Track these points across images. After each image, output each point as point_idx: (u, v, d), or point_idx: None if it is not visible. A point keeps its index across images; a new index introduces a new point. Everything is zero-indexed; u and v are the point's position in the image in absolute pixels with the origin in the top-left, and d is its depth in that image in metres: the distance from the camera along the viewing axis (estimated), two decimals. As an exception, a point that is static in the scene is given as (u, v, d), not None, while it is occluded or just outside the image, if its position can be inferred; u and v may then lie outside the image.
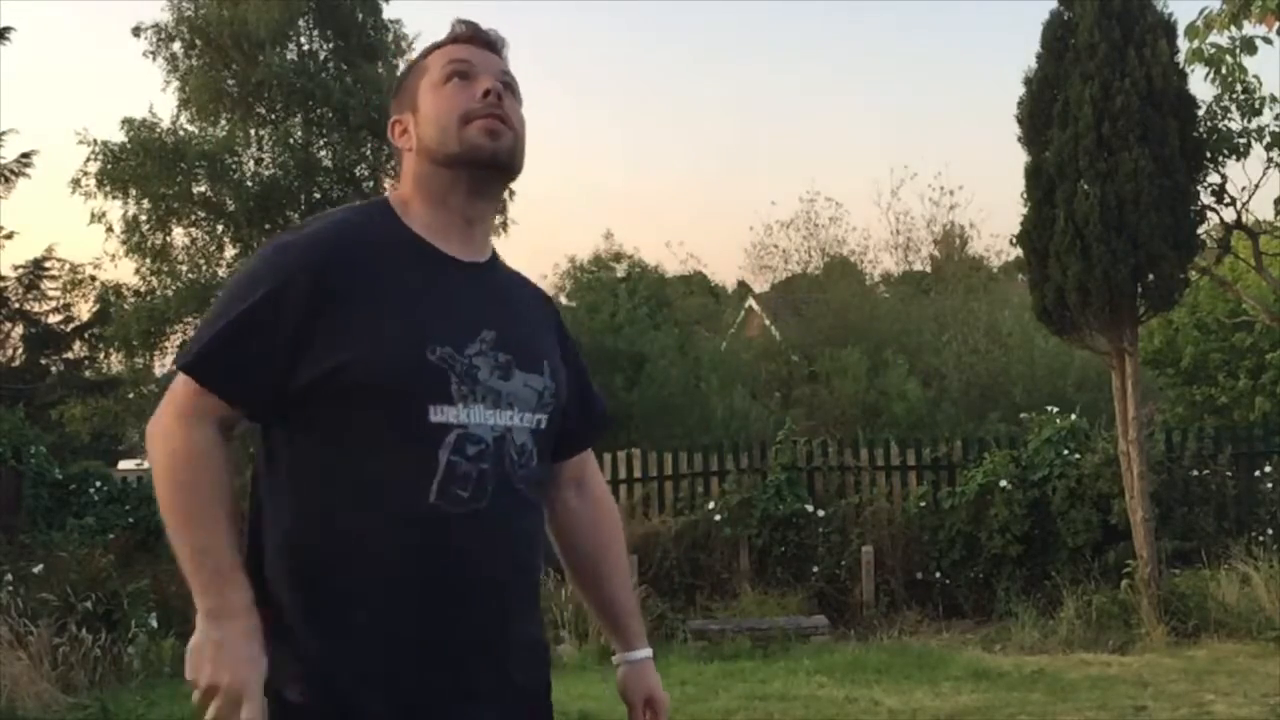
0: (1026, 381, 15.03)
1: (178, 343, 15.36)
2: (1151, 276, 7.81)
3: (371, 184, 15.90)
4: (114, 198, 14.89)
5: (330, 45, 15.89)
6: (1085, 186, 7.73)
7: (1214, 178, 8.05)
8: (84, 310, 17.57)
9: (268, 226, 15.65)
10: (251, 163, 15.64)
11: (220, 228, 15.57)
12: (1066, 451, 9.25)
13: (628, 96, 51.10)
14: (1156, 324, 13.89)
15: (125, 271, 22.86)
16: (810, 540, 9.39)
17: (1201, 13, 5.97)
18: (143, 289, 15.46)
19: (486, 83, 1.62)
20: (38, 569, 7.82)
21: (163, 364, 16.02)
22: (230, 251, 15.80)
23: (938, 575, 9.36)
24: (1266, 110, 7.74)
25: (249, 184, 15.33)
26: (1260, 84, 7.63)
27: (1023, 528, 9.12)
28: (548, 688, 1.69)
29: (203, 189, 15.24)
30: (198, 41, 15.26)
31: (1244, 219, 8.23)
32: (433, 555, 1.50)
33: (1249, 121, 7.83)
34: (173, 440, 1.49)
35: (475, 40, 1.68)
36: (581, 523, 1.81)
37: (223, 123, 15.59)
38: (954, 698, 6.38)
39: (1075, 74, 7.85)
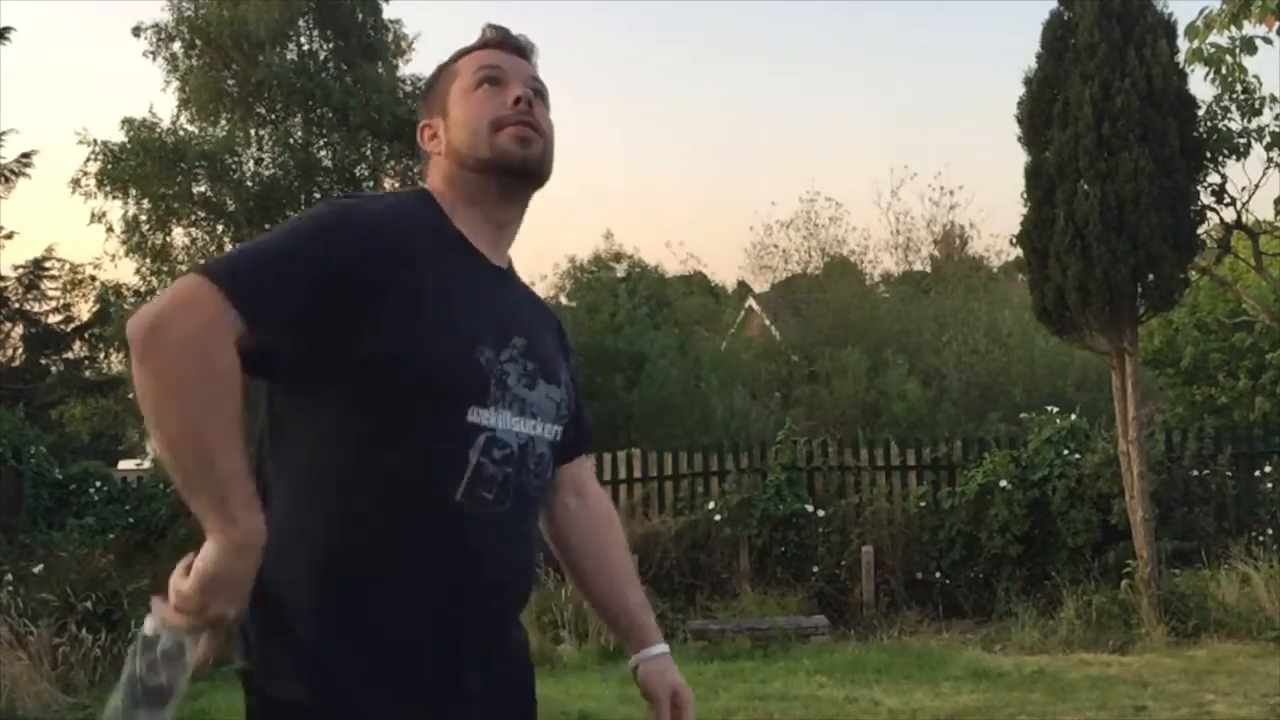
0: (1026, 381, 15.03)
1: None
2: (1151, 276, 7.81)
3: (371, 184, 15.91)
4: (114, 198, 14.89)
5: (330, 45, 15.89)
6: (1085, 186, 7.73)
7: (1214, 178, 8.06)
8: (84, 310, 17.59)
9: (267, 226, 15.66)
10: (251, 163, 15.64)
11: (220, 228, 15.57)
12: (1066, 451, 9.25)
13: (628, 96, 51.13)
14: (1156, 324, 13.90)
15: (125, 271, 22.87)
16: (810, 540, 9.39)
17: (1201, 13, 5.98)
18: (143, 289, 15.45)
19: (517, 90, 1.62)
20: (38, 569, 7.83)
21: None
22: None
23: (938, 575, 9.36)
24: (1266, 110, 7.75)
25: (249, 184, 15.33)
26: (1260, 84, 7.64)
27: (1023, 528, 9.12)
28: (533, 688, 1.70)
29: (203, 189, 15.24)
30: (198, 41, 15.26)
31: (1244, 219, 8.24)
32: (451, 554, 1.50)
33: (1249, 121, 7.84)
34: (210, 348, 1.36)
35: (505, 46, 1.68)
36: (584, 525, 1.81)
37: (223, 123, 15.59)
38: (954, 698, 6.38)
39: (1075, 74, 7.85)
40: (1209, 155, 7.96)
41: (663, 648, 1.80)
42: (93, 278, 16.66)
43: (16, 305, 17.44)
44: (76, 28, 39.39)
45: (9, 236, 15.44)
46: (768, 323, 21.19)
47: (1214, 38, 6.22)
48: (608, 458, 10.06)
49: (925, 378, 15.95)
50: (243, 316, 1.38)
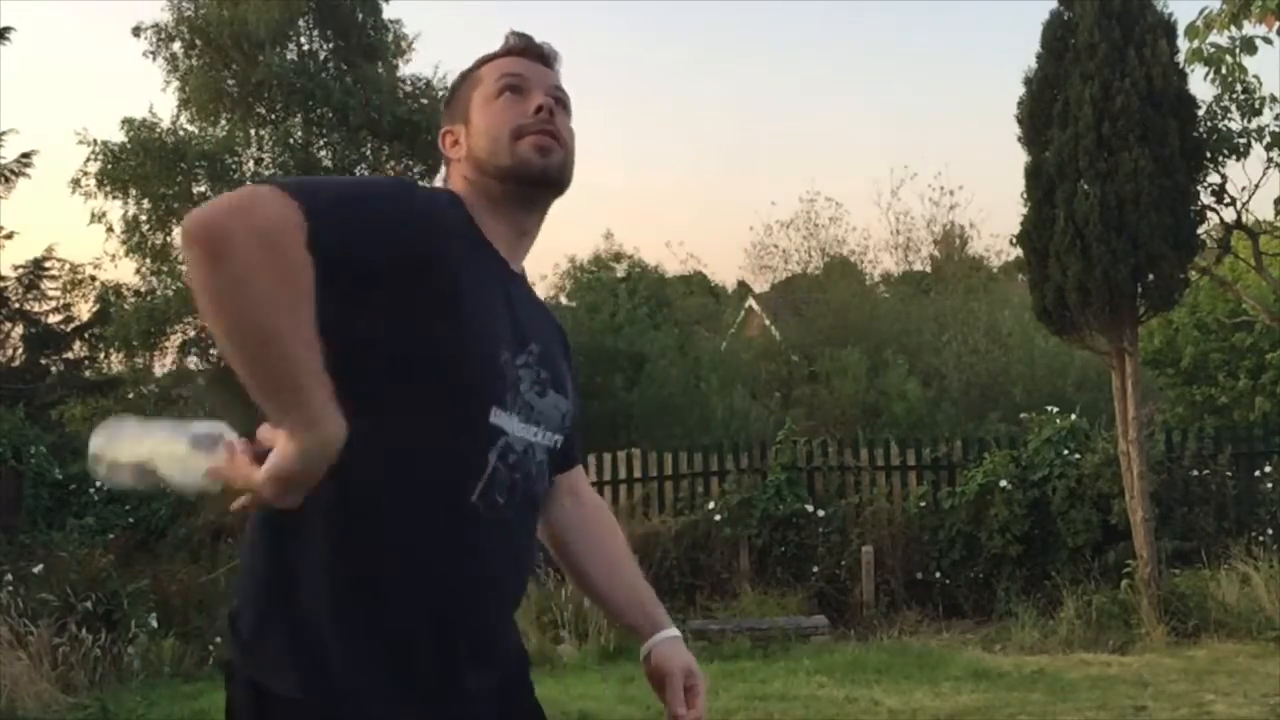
0: (1026, 381, 15.02)
1: (178, 343, 15.38)
2: (1151, 276, 7.81)
3: (371, 184, 15.91)
4: (114, 198, 14.91)
5: (330, 45, 15.89)
6: (1085, 186, 7.73)
7: (1214, 178, 8.07)
8: (84, 310, 17.54)
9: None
10: (251, 163, 15.64)
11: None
12: (1066, 451, 9.25)
13: (628, 96, 51.04)
14: (1156, 324, 13.89)
15: (125, 271, 22.84)
16: (810, 540, 9.39)
17: (1201, 13, 5.99)
18: (143, 289, 15.46)
19: (538, 98, 1.62)
20: (38, 569, 7.83)
21: (163, 364, 16.04)
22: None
23: (938, 575, 9.36)
24: (1266, 110, 7.76)
25: (249, 184, 15.31)
26: (1260, 84, 7.65)
27: (1023, 528, 9.12)
28: (531, 686, 1.71)
29: (203, 189, 15.23)
30: (198, 41, 15.26)
31: (1244, 219, 8.24)
32: (461, 555, 1.50)
33: (1249, 121, 7.84)
34: (285, 240, 1.30)
35: (528, 53, 1.68)
36: (583, 525, 1.82)
37: (223, 123, 15.60)
38: (954, 698, 6.38)
39: (1075, 74, 7.85)
40: (1209, 155, 7.96)
41: (675, 632, 1.79)
42: (93, 278, 16.64)
43: (16, 305, 17.40)
44: (76, 28, 39.36)
45: (9, 236, 15.40)
46: (768, 323, 21.18)
47: (1214, 38, 6.23)
48: (608, 458, 10.06)
49: (925, 378, 15.94)
50: (307, 222, 1.33)
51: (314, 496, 1.42)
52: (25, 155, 14.33)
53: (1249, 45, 6.19)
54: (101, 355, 17.00)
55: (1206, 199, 8.09)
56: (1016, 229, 8.38)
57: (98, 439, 1.45)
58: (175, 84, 15.51)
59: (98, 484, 10.16)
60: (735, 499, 9.48)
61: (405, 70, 16.32)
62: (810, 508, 9.48)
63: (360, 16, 15.78)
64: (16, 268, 17.08)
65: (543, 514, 1.71)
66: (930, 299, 19.27)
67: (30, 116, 40.50)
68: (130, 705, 6.63)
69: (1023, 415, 10.66)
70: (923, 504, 9.56)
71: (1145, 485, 8.00)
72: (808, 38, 48.57)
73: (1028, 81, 8.23)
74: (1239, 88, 7.62)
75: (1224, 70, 7.07)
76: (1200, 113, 7.89)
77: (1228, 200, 8.11)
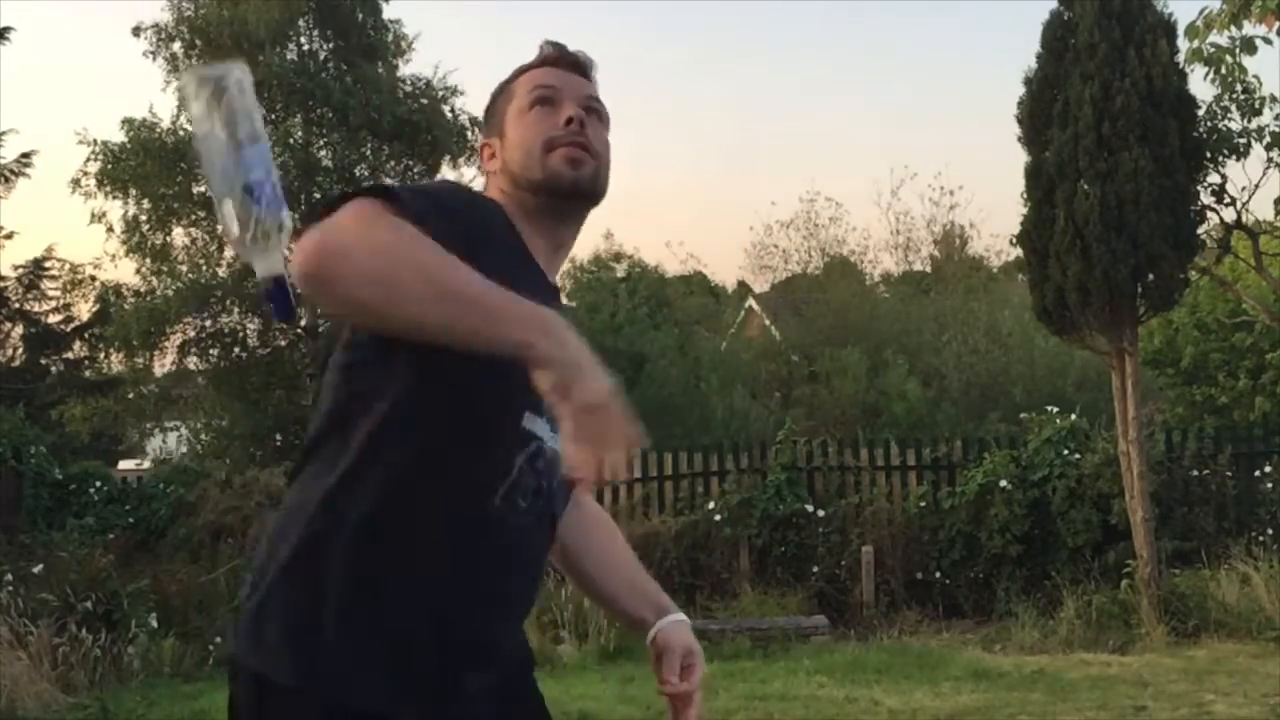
0: (1026, 381, 15.02)
1: (178, 343, 15.37)
2: (1151, 276, 7.81)
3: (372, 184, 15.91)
4: (114, 198, 14.90)
5: (330, 45, 15.88)
6: (1085, 186, 7.73)
7: (1214, 178, 8.07)
8: (84, 310, 17.59)
9: (268, 227, 15.66)
10: (251, 162, 15.62)
11: (220, 228, 15.56)
12: (1066, 451, 9.25)
13: (628, 96, 51.02)
14: (1156, 324, 13.89)
15: (125, 271, 22.85)
16: (810, 540, 9.39)
17: (1201, 13, 5.99)
18: (143, 289, 15.46)
19: (569, 110, 1.62)
20: (38, 569, 7.83)
21: (163, 364, 16.03)
22: (230, 251, 15.80)
23: (938, 575, 9.36)
24: (1266, 110, 7.76)
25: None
26: (1260, 84, 7.65)
27: (1023, 528, 9.12)
28: (536, 688, 1.71)
29: (203, 189, 15.23)
30: (198, 41, 15.25)
31: (1244, 219, 8.24)
32: (480, 557, 1.50)
33: (1249, 121, 7.84)
34: (395, 225, 1.32)
35: (562, 63, 1.68)
36: (584, 529, 1.83)
37: (223, 123, 15.57)
38: (954, 698, 6.38)
39: (1075, 74, 7.86)
40: (1209, 155, 7.97)
41: (682, 616, 1.80)
42: (93, 278, 16.68)
43: (16, 305, 17.44)
44: (76, 28, 39.39)
45: (9, 236, 15.45)
46: (768, 323, 21.18)
47: (1214, 38, 6.23)
48: (608, 458, 10.05)
49: (925, 378, 15.94)
50: (391, 205, 1.35)
51: (340, 491, 1.44)
52: (25, 155, 14.40)
53: (1249, 45, 6.19)
54: (101, 355, 17.03)
55: (1206, 199, 8.10)
56: (1016, 229, 8.39)
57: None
58: (175, 84, 15.52)
59: (98, 484, 10.16)
60: (735, 499, 9.48)
61: (405, 70, 16.32)
62: (810, 508, 9.48)
63: (360, 16, 15.77)
64: (16, 268, 17.15)
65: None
66: (930, 299, 19.27)
67: (30, 116, 40.60)
68: (130, 705, 6.63)
69: (1023, 415, 10.66)
70: (923, 504, 9.55)
71: (1145, 485, 8.00)
72: (808, 38, 48.61)
73: (1028, 81, 8.23)
74: (1239, 88, 7.63)
75: (1224, 70, 7.08)
76: (1200, 113, 7.90)
77: (1228, 200, 8.12)
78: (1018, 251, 8.68)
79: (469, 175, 16.35)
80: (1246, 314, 12.68)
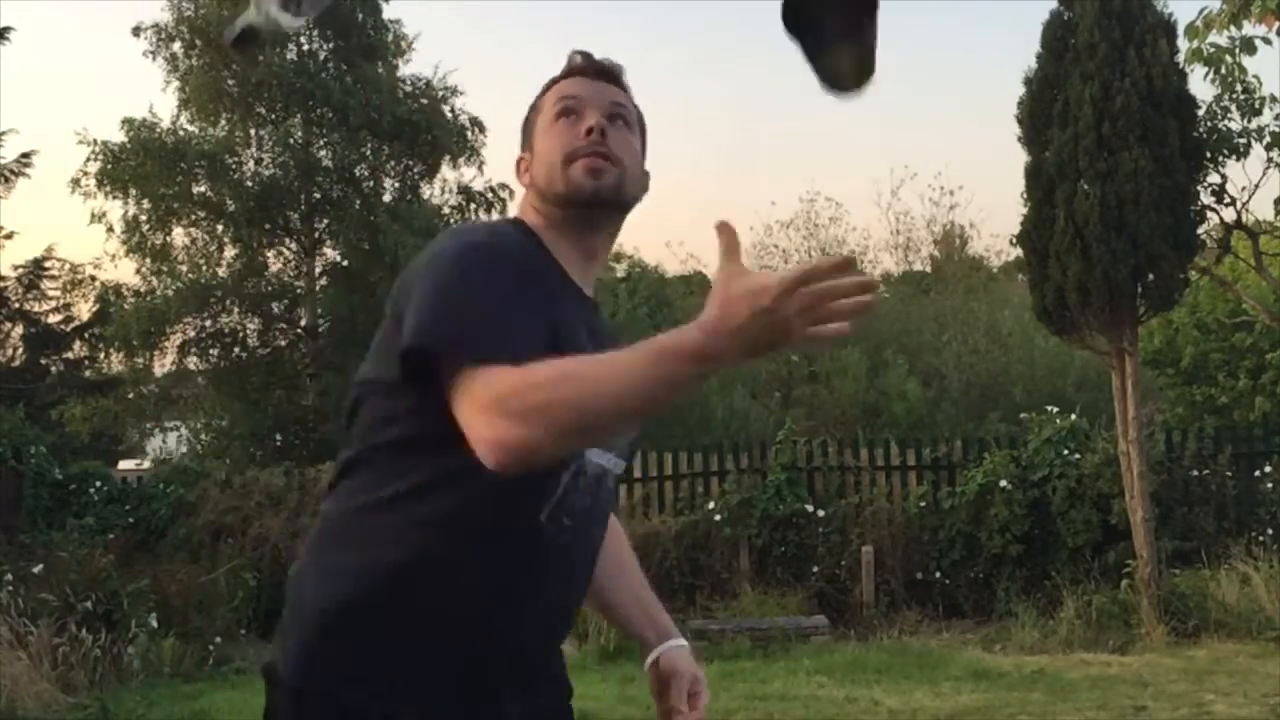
0: (1026, 381, 15.03)
1: (178, 343, 15.37)
2: (1151, 276, 7.81)
3: (371, 184, 15.92)
4: (114, 198, 14.90)
5: (330, 45, 15.88)
6: (1085, 186, 7.73)
7: (1214, 178, 8.07)
8: (84, 310, 17.58)
9: (268, 226, 15.67)
10: (251, 163, 15.64)
11: (220, 228, 15.57)
12: (1066, 451, 9.24)
13: (627, 96, 50.98)
14: (1156, 324, 13.89)
15: (125, 271, 22.85)
16: (810, 540, 9.39)
17: (1201, 13, 5.99)
18: (143, 289, 15.46)
19: (591, 119, 1.62)
20: (38, 569, 7.82)
21: (163, 364, 16.03)
22: (230, 251, 15.82)
23: (938, 575, 9.36)
24: (1266, 110, 7.76)
25: (249, 184, 15.33)
26: (1260, 84, 7.65)
27: (1023, 528, 9.11)
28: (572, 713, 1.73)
29: (203, 189, 15.24)
30: (198, 41, 15.26)
31: (1244, 219, 8.24)
32: (524, 573, 1.51)
33: (1249, 121, 7.84)
34: (522, 394, 1.31)
35: (588, 72, 1.68)
36: None
37: (223, 123, 15.60)
38: (954, 698, 6.38)
39: (1075, 74, 7.85)
40: (1209, 155, 7.96)
41: (684, 642, 1.83)
42: (93, 278, 16.67)
43: (16, 305, 17.43)
44: (76, 28, 39.36)
45: (9, 236, 15.43)
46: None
47: (1214, 38, 6.23)
48: (608, 458, 10.04)
49: (925, 378, 15.94)
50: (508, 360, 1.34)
51: (383, 507, 1.47)
52: (25, 155, 14.36)
53: (1249, 45, 6.19)
54: (101, 355, 17.03)
55: (1206, 199, 8.10)
56: (1016, 229, 8.39)
57: None
58: (175, 84, 15.51)
59: (98, 484, 10.16)
60: (735, 499, 9.48)
61: (405, 70, 16.33)
62: (810, 508, 9.47)
63: (360, 16, 15.77)
64: (16, 268, 17.13)
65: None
66: (930, 299, 19.27)
67: (30, 116, 40.54)
68: (130, 705, 6.63)
69: (1023, 415, 10.65)
70: (923, 504, 9.55)
71: (1145, 485, 8.00)
72: (808, 38, 48.48)
73: (1028, 81, 8.23)
74: (1239, 88, 7.62)
75: (1224, 70, 7.08)
76: (1200, 113, 7.89)
77: (1228, 200, 8.12)
78: (1018, 251, 8.69)
79: (469, 175, 16.40)
80: (1246, 314, 12.68)
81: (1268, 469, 9.36)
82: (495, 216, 16.39)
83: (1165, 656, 7.21)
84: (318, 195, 15.71)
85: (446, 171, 16.30)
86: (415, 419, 1.47)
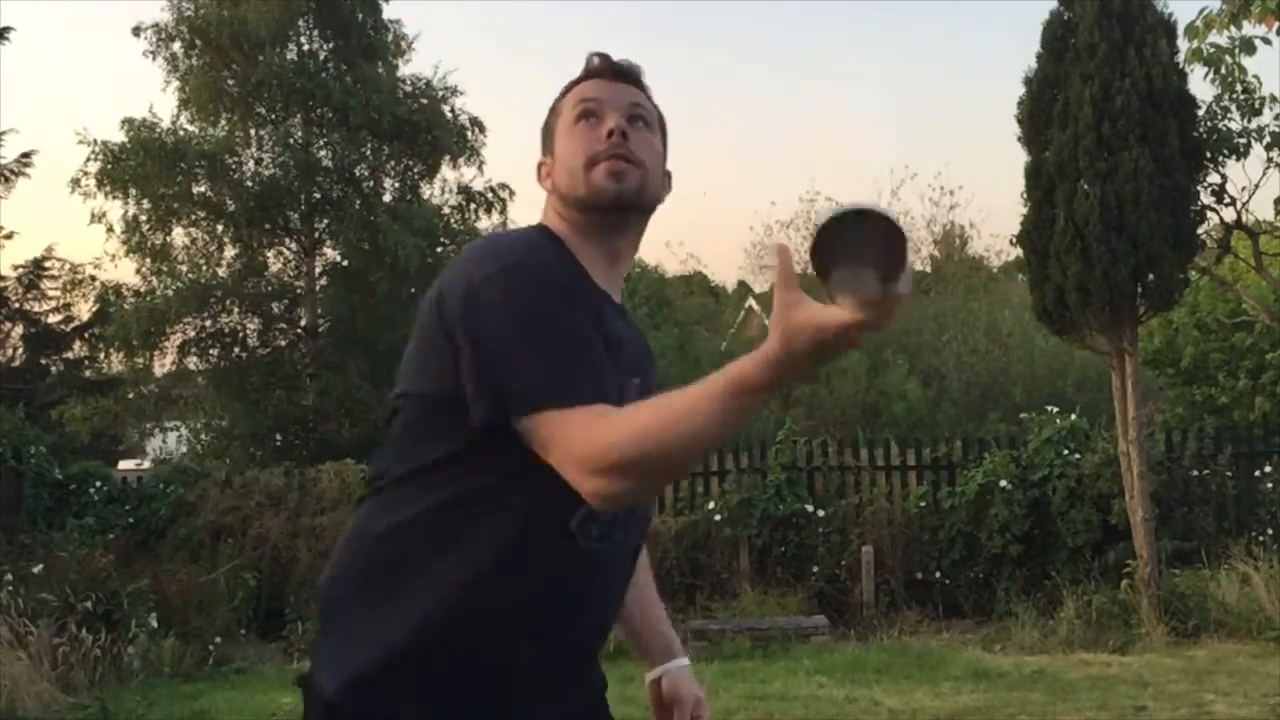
0: (1026, 381, 15.01)
1: (178, 343, 15.37)
2: (1151, 276, 7.80)
3: (371, 184, 15.92)
4: (114, 198, 14.91)
5: (330, 45, 15.89)
6: (1085, 186, 7.73)
7: (1214, 178, 8.06)
8: (84, 310, 17.57)
9: (268, 226, 15.67)
10: (251, 163, 15.65)
11: (220, 228, 15.58)
12: (1066, 451, 9.25)
13: (627, 96, 50.93)
14: (1156, 324, 13.89)
15: (125, 271, 22.87)
16: (810, 540, 9.39)
17: (1201, 13, 5.99)
18: (143, 289, 15.46)
19: (611, 122, 1.61)
20: (38, 569, 7.82)
21: (163, 364, 16.03)
22: (230, 251, 15.82)
23: (938, 575, 9.36)
24: (1266, 110, 7.75)
25: (249, 184, 15.33)
26: (1260, 84, 7.64)
27: (1023, 528, 9.12)
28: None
29: (203, 189, 15.24)
30: (198, 41, 15.27)
31: (1244, 219, 8.23)
32: (557, 586, 1.52)
33: (1249, 121, 7.83)
34: (618, 448, 1.33)
35: (605, 73, 1.67)
36: None
37: (223, 123, 15.60)
38: (954, 698, 6.38)
39: (1075, 74, 7.85)
40: (1209, 155, 7.96)
41: (687, 661, 1.86)
42: (93, 278, 16.66)
43: (16, 305, 17.42)
44: (76, 28, 39.38)
45: (9, 236, 15.43)
46: (767, 323, 21.04)
47: (1214, 38, 6.24)
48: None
49: (925, 378, 15.93)
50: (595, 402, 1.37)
51: (416, 523, 1.48)
52: (25, 155, 14.37)
53: (1248, 45, 6.20)
54: (101, 355, 17.02)
55: (1206, 199, 8.09)
56: (1016, 229, 8.38)
57: None
58: (175, 84, 15.53)
59: (98, 484, 10.16)
60: (735, 499, 9.48)
61: (405, 70, 16.34)
62: (810, 508, 9.48)
63: (360, 16, 15.78)
64: (16, 268, 17.12)
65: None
66: (930, 299, 19.24)
67: (30, 116, 40.57)
68: (130, 705, 6.63)
69: (1023, 415, 10.65)
70: (923, 504, 9.55)
71: (1145, 485, 8.00)
72: (808, 38, 48.63)
73: (1028, 81, 8.22)
74: (1239, 88, 7.62)
75: (1224, 70, 7.08)
76: (1200, 113, 7.89)
77: (1228, 200, 8.11)
78: (1018, 251, 8.68)
79: (469, 175, 16.40)
80: (1246, 314, 12.68)
81: (1268, 469, 9.36)
82: (497, 218, 16.41)
83: (1165, 656, 7.21)
84: (318, 195, 15.72)
85: (446, 171, 16.32)
86: (453, 436, 1.46)
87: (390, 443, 1.56)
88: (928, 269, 22.34)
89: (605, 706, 1.73)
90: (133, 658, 7.42)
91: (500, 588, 1.48)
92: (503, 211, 16.46)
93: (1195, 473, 9.18)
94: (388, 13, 16.17)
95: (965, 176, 55.24)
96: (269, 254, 16.17)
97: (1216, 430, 10.17)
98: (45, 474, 9.95)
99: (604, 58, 1.69)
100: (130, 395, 15.83)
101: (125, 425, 16.93)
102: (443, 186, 16.49)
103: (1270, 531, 8.86)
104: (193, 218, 15.44)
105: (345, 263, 15.98)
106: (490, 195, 16.41)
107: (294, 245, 16.14)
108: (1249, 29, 5.98)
